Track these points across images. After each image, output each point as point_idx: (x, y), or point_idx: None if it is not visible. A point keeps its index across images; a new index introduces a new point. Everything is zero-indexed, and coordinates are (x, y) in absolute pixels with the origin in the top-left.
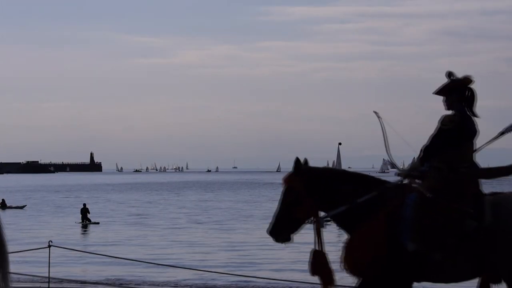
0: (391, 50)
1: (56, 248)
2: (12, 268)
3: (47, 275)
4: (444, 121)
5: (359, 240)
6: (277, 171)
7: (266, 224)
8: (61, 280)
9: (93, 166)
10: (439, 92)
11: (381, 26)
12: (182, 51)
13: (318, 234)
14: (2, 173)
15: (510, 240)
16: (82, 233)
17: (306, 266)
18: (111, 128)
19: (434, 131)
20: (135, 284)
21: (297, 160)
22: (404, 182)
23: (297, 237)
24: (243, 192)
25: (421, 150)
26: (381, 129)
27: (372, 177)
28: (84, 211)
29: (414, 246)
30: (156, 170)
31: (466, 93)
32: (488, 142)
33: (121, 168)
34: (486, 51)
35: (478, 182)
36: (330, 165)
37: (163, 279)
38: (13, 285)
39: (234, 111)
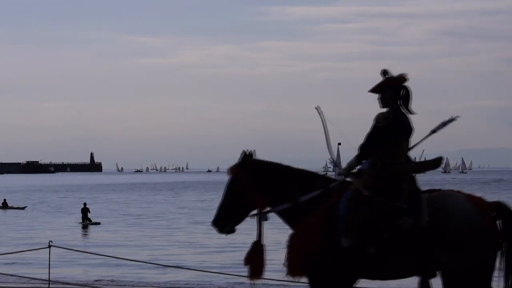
0: (391, 50)
1: (56, 248)
2: (12, 268)
3: (47, 276)
4: (379, 119)
5: (299, 237)
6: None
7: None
8: (61, 281)
9: (93, 166)
10: (374, 90)
11: (381, 26)
12: (182, 51)
13: (259, 227)
14: (2, 173)
15: (447, 238)
16: (83, 234)
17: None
18: (111, 128)
19: (370, 129)
20: (135, 285)
21: (244, 153)
22: (346, 180)
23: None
24: None
25: (358, 148)
26: (322, 125)
27: (319, 175)
28: (85, 210)
29: (348, 242)
30: (156, 170)
31: (401, 91)
32: (421, 140)
33: (122, 168)
34: (486, 51)
35: (415, 179)
36: (331, 166)
37: (163, 279)
38: (13, 286)
39: (234, 111)
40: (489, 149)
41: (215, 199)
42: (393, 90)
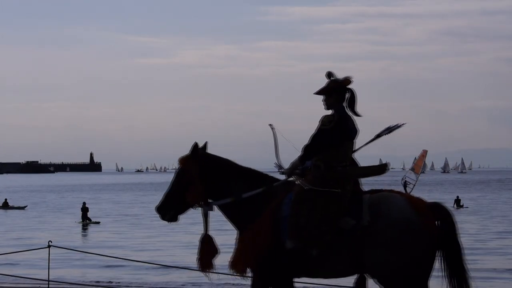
0: (391, 50)
1: (56, 248)
2: (12, 268)
3: (46, 276)
4: (324, 121)
5: (247, 237)
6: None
7: None
8: (60, 281)
9: (93, 166)
10: (319, 92)
11: (381, 26)
12: (182, 51)
13: (205, 219)
14: (2, 173)
15: (385, 238)
16: (82, 233)
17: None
18: (111, 128)
19: (315, 130)
20: (135, 285)
21: (195, 145)
22: (290, 180)
23: None
24: None
25: (302, 148)
26: (274, 140)
27: (265, 175)
28: (84, 210)
29: (292, 243)
30: (156, 170)
31: (346, 94)
32: (365, 144)
33: (121, 168)
34: (486, 51)
35: (358, 180)
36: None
37: (163, 279)
38: (12, 286)
39: (234, 111)
40: (489, 149)
41: None
42: (338, 93)
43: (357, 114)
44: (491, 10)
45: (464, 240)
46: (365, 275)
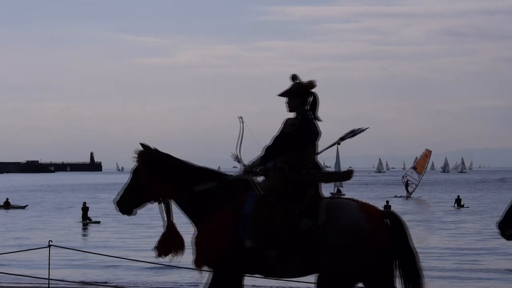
0: (391, 50)
1: (56, 248)
2: (12, 268)
3: (47, 275)
4: (286, 124)
5: (205, 234)
6: None
7: None
8: (61, 281)
9: (93, 166)
10: (282, 94)
11: (381, 26)
12: (183, 51)
13: (168, 213)
14: (2, 173)
15: (332, 241)
16: (83, 233)
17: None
18: (111, 128)
19: (277, 132)
20: (136, 285)
21: (144, 146)
22: (245, 177)
23: None
24: None
25: (263, 149)
26: (240, 132)
27: (213, 170)
28: (85, 209)
29: (251, 243)
30: None
31: (309, 98)
32: (328, 147)
33: (122, 167)
34: (486, 51)
35: (318, 185)
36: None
37: (163, 279)
38: (13, 286)
39: (234, 111)
40: (489, 149)
41: None
42: (301, 96)
43: (318, 119)
44: (491, 10)
45: (465, 240)
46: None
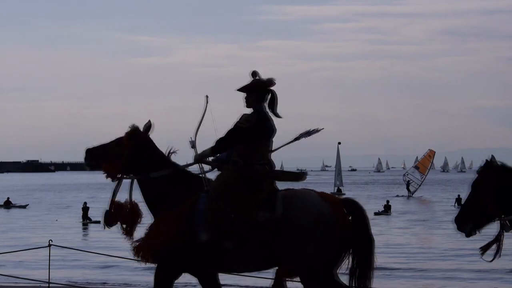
0: (391, 50)
1: (56, 248)
2: (12, 268)
3: (47, 275)
4: (242, 119)
5: (157, 227)
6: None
7: None
8: (61, 281)
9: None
10: (241, 89)
11: (381, 26)
12: (182, 50)
13: (116, 190)
14: (3, 172)
15: (297, 231)
16: (83, 233)
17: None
18: (111, 128)
19: (231, 126)
20: (136, 285)
21: (136, 127)
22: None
23: None
24: None
25: (215, 141)
26: (203, 112)
27: (172, 161)
28: (85, 209)
29: (206, 236)
30: None
31: (267, 95)
32: (283, 145)
33: None
34: (486, 50)
35: (273, 181)
36: (331, 165)
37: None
38: (13, 286)
39: (234, 111)
40: (489, 149)
41: None
42: (259, 93)
43: (276, 115)
44: (491, 10)
45: (466, 240)
46: (284, 279)
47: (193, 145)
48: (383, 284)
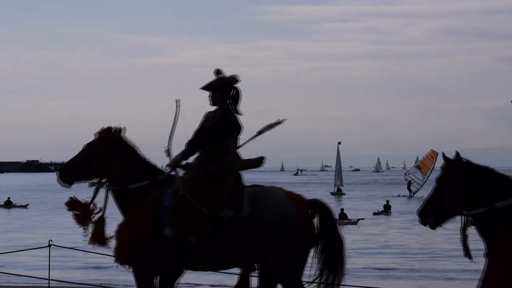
0: (391, 50)
1: (57, 248)
2: (12, 268)
3: (47, 275)
4: (207, 117)
5: (125, 227)
6: (280, 170)
7: None
8: (61, 281)
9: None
10: (205, 87)
11: (381, 26)
12: (182, 50)
13: (94, 194)
14: (3, 172)
15: (263, 229)
16: (83, 233)
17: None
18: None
19: (198, 126)
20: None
21: (109, 128)
22: (173, 172)
23: None
24: None
25: (185, 143)
26: (175, 118)
27: (158, 169)
28: None
29: (171, 231)
30: None
31: (231, 92)
32: (248, 140)
33: None
34: (486, 50)
35: (240, 175)
36: (332, 165)
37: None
38: (13, 286)
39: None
40: (489, 149)
41: None
42: (223, 90)
43: (238, 113)
44: (491, 10)
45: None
46: (249, 274)
47: (168, 153)
48: (383, 285)
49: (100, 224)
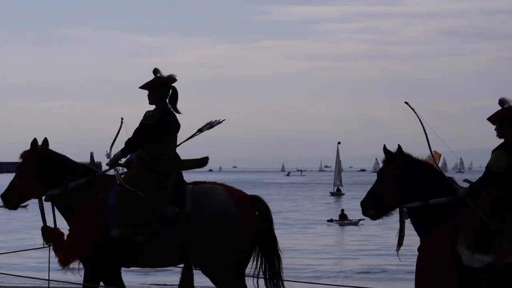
0: (390, 50)
1: None
2: (12, 268)
3: (46, 276)
4: (146, 116)
5: (74, 230)
6: (281, 170)
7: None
8: (61, 281)
9: (93, 166)
10: (142, 87)
11: (381, 26)
12: (182, 50)
13: (41, 211)
14: (3, 172)
15: (202, 226)
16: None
17: (302, 267)
18: (111, 128)
19: (138, 125)
20: (137, 285)
21: (34, 140)
22: (113, 172)
23: (296, 244)
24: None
25: (125, 142)
26: (117, 132)
27: (92, 169)
28: None
29: (118, 232)
30: None
31: (169, 91)
32: (188, 138)
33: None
34: (486, 50)
35: (181, 173)
36: (332, 165)
37: (165, 280)
38: (12, 286)
39: (234, 111)
40: (489, 149)
41: None
42: (161, 89)
43: (177, 111)
44: (491, 10)
45: None
46: (194, 269)
47: (108, 157)
48: (384, 286)
49: (60, 238)
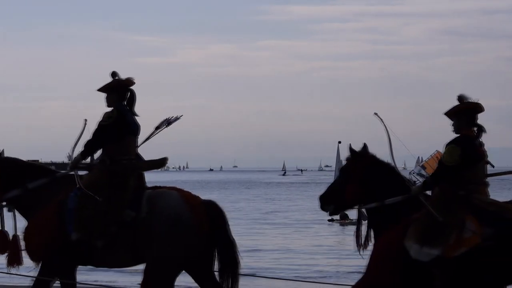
0: (390, 50)
1: None
2: (12, 268)
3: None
4: (104, 117)
5: (32, 229)
6: (282, 170)
7: (269, 224)
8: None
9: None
10: (100, 89)
11: (381, 26)
12: (182, 50)
13: (0, 216)
14: None
15: (154, 231)
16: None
17: (302, 267)
18: None
19: (95, 126)
20: (136, 285)
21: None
22: (72, 173)
23: (296, 245)
24: (256, 191)
25: (83, 144)
26: (80, 133)
27: (53, 170)
28: None
29: (77, 235)
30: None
31: (127, 94)
32: (147, 138)
33: None
34: (486, 50)
35: (142, 175)
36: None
37: None
38: (12, 285)
39: (234, 111)
40: (489, 149)
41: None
42: (119, 92)
43: (134, 114)
44: (491, 10)
45: None
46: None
47: (69, 158)
48: None
49: (16, 243)
